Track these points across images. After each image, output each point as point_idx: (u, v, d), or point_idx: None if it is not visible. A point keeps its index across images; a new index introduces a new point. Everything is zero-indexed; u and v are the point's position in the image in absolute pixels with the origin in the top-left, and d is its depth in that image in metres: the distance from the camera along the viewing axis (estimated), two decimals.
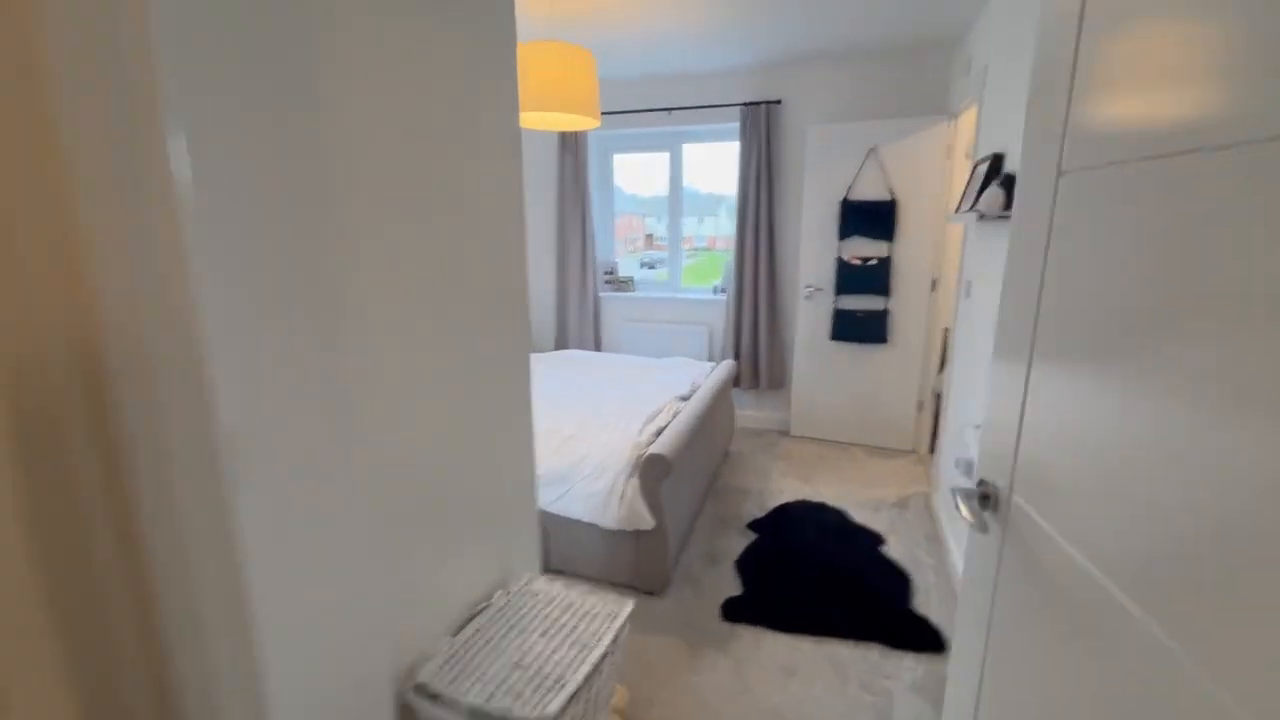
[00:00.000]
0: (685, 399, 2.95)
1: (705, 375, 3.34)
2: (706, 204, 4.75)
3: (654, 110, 3.96)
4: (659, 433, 2.50)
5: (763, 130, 3.71)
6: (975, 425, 2.19)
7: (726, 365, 3.45)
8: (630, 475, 2.24)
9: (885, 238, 3.54)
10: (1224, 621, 0.51)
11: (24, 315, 0.74)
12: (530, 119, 2.61)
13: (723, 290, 4.20)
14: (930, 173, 3.39)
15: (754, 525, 2.80)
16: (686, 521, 2.60)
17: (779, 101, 3.70)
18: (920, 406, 3.69)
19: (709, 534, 2.75)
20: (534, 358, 3.68)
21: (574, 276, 4.29)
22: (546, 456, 2.32)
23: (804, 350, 3.86)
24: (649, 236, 4.77)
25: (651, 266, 4.62)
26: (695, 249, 4.99)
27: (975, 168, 2.45)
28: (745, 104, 3.73)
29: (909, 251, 3.52)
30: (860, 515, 2.91)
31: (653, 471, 2.20)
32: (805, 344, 3.85)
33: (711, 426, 2.96)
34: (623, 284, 4.44)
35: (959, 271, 2.75)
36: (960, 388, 2.63)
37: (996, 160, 2.19)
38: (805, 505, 3.00)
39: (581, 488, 2.24)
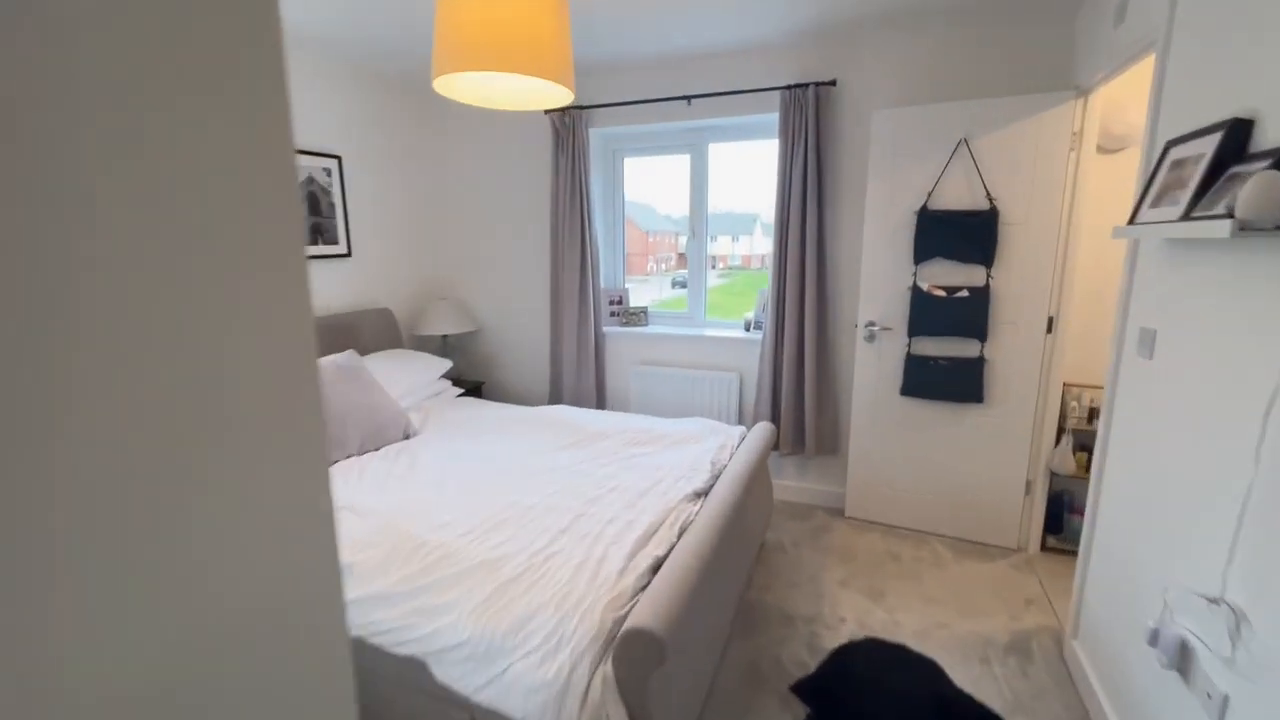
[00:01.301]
0: (703, 494, 2.05)
1: (734, 448, 2.44)
2: (739, 222, 3.88)
3: (669, 100, 3.12)
4: (656, 567, 1.61)
5: (810, 120, 2.83)
6: (1206, 597, 1.24)
7: (762, 432, 2.54)
8: (600, 658, 1.36)
9: (980, 261, 2.61)
10: None
11: None
12: (461, 87, 1.78)
13: (757, 326, 3.30)
14: (1047, 171, 2.45)
15: (803, 689, 1.88)
16: (696, 697, 1.68)
17: (832, 82, 2.82)
18: (1029, 488, 2.70)
19: (733, 710, 1.83)
20: (509, 417, 2.84)
21: (570, 308, 3.45)
22: (474, 611, 1.46)
23: (865, 407, 2.93)
24: (683, 255, 3.93)
25: (684, 285, 3.77)
26: (730, 268, 4.13)
27: (1166, 152, 1.52)
28: (788, 87, 2.87)
29: (1015, 279, 2.58)
30: (964, 672, 1.95)
31: (636, 656, 1.31)
32: (866, 399, 2.92)
33: (741, 522, 2.06)
34: (633, 316, 3.58)
35: (1122, 310, 1.80)
36: (1128, 497, 1.67)
37: (1237, 131, 1.26)
38: (878, 651, 2.06)
39: (523, 670, 1.36)
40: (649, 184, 3.70)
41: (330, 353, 2.94)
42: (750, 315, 3.39)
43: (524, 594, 1.50)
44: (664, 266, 4.25)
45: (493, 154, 3.62)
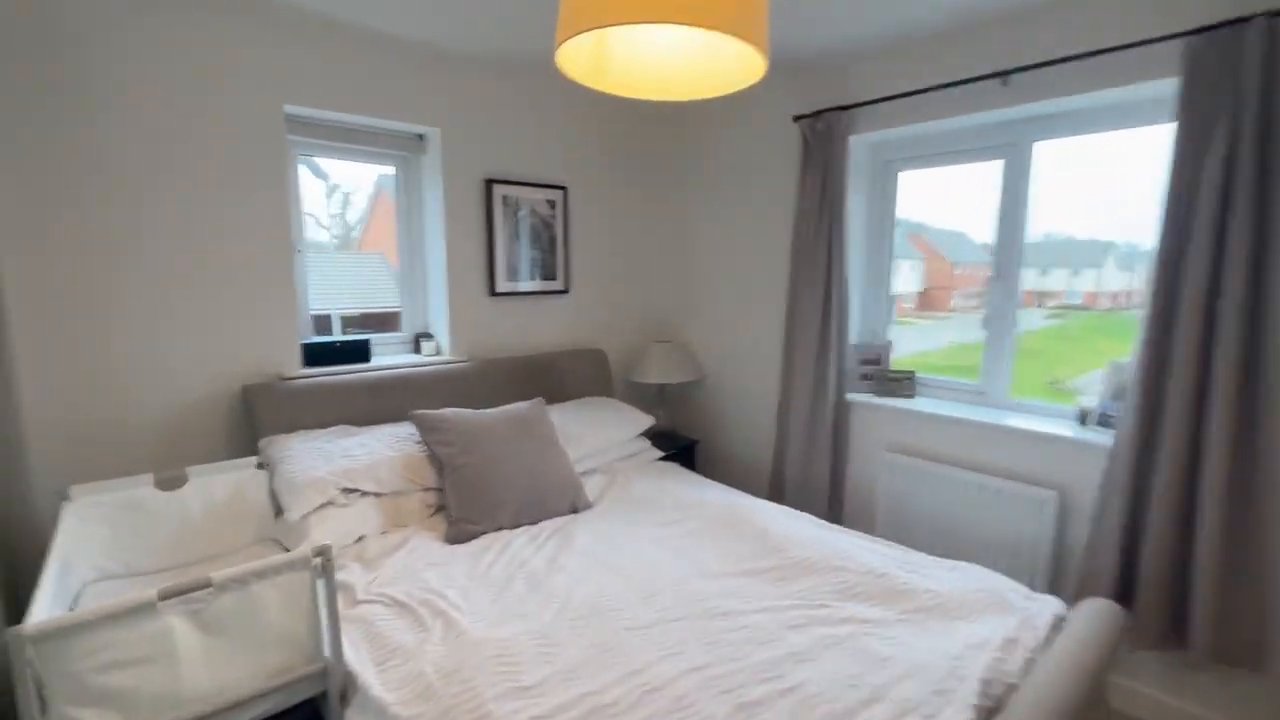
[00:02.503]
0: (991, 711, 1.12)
1: (1037, 643, 1.39)
2: (1080, 251, 2.60)
3: (971, 82, 2.15)
4: None
5: (1251, 81, 1.60)
6: None
7: (1099, 616, 1.42)
8: None
9: None
10: None
11: None
12: (606, 66, 1.22)
13: (1103, 421, 2.06)
14: None
15: None
16: None
17: None
18: None
19: None
20: (698, 502, 2.18)
21: (804, 366, 2.66)
22: None
23: None
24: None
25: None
26: (1063, 307, 2.82)
27: None
28: (1202, 30, 1.68)
29: None
30: None
31: None
32: None
33: None
34: (893, 383, 2.62)
35: None
36: None
37: None
38: None
39: None
40: (939, 202, 2.70)
41: (529, 396, 2.71)
42: (1090, 402, 2.15)
43: None
44: (974, 304, 3.14)
45: (729, 179, 3.06)
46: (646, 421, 2.77)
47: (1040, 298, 2.56)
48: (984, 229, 2.47)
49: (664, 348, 3.16)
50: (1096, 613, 1.48)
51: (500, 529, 2.03)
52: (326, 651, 1.34)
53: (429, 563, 1.78)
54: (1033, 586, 2.09)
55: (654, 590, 1.65)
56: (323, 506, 1.87)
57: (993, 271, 2.41)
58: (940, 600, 1.57)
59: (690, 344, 3.36)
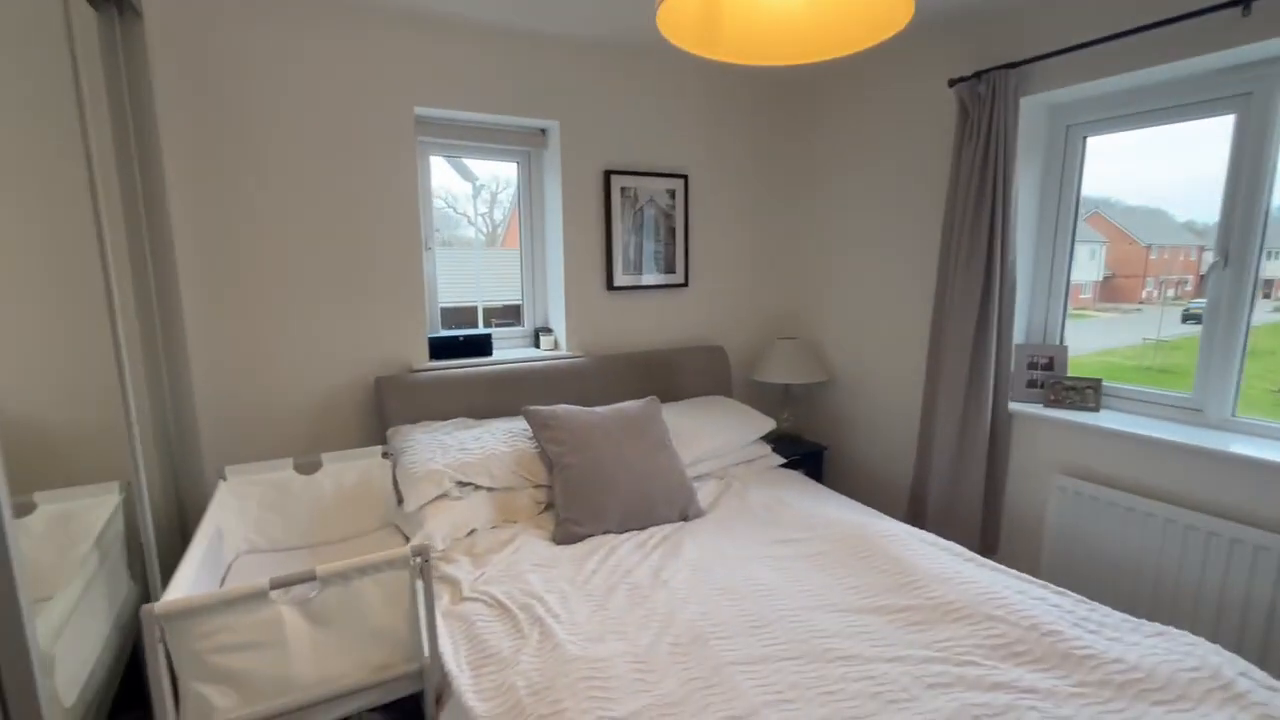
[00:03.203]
0: None
1: None
2: None
3: (1197, 15, 1.70)
4: None
5: None
6: None
7: None
8: None
9: None
10: None
11: None
12: (694, 28, 1.06)
13: None
14: None
15: None
16: None
17: None
18: None
19: None
20: (823, 520, 1.97)
21: (955, 368, 2.30)
22: None
23: None
24: (1203, 278, 2.24)
25: (1198, 319, 2.15)
26: None
27: None
28: None
29: None
30: None
31: None
32: None
33: None
34: (1070, 392, 2.19)
35: None
36: None
37: None
38: None
39: None
40: (1131, 174, 2.21)
41: (644, 393, 2.63)
42: None
43: None
44: (1172, 292, 2.56)
45: (866, 157, 2.73)
46: (767, 425, 2.57)
47: (1268, 285, 2.00)
48: (1192, 204, 1.97)
49: (789, 345, 2.92)
50: None
51: (607, 533, 1.95)
52: (426, 651, 1.33)
53: (534, 563, 1.75)
54: (1255, 656, 1.63)
55: (766, 620, 1.47)
56: (438, 499, 1.92)
57: (1216, 255, 1.91)
58: (1134, 675, 1.24)
59: (819, 341, 3.09)
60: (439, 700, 1.33)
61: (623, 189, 2.68)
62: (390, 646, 1.30)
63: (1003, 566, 1.70)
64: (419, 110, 2.28)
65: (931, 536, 1.88)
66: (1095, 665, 1.27)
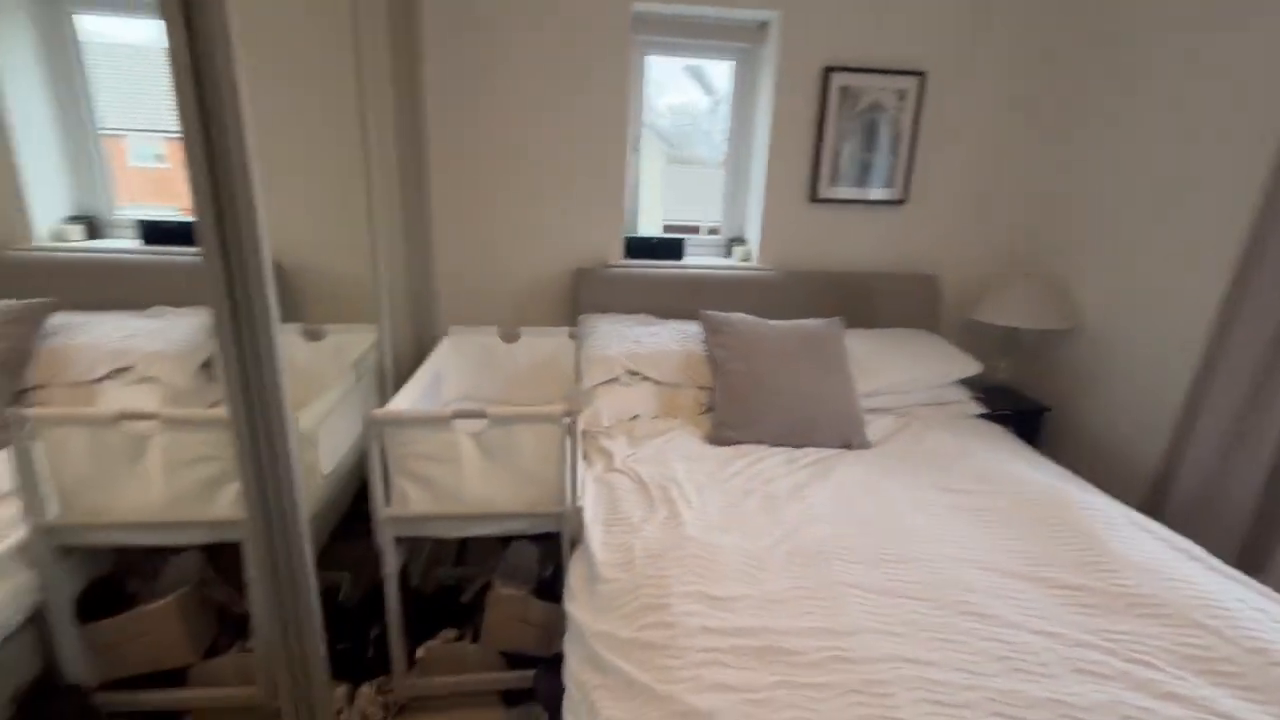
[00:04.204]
0: None
1: None
2: None
3: None
4: None
5: None
6: None
7: None
8: None
9: None
10: None
11: None
12: None
13: None
14: None
15: None
16: None
17: None
18: None
19: None
20: (1019, 493, 1.73)
21: (1253, 334, 1.75)
22: None
23: None
24: None
25: None
26: None
27: None
28: None
29: None
30: None
31: None
32: None
33: None
34: None
35: None
36: None
37: None
38: None
39: None
40: None
41: (834, 315, 2.48)
42: None
43: None
44: None
45: (1150, 39, 2.06)
46: (971, 367, 2.27)
47: None
48: None
49: (1025, 282, 2.47)
50: None
51: (759, 443, 1.96)
52: (568, 500, 1.52)
53: (682, 455, 1.84)
54: None
55: (901, 558, 1.38)
56: (609, 382, 2.09)
57: None
58: None
59: (1065, 279, 2.55)
60: (573, 544, 1.53)
61: (843, 88, 2.43)
62: (539, 487, 1.51)
63: (1250, 580, 1.33)
64: (637, 7, 2.29)
65: (1157, 526, 1.53)
66: None
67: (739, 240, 2.71)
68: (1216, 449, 1.85)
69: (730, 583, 1.26)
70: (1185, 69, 2.08)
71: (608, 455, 1.84)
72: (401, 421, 1.44)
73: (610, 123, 2.37)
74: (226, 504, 1.37)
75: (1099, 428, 2.42)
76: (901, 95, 2.45)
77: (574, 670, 1.18)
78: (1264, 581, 1.81)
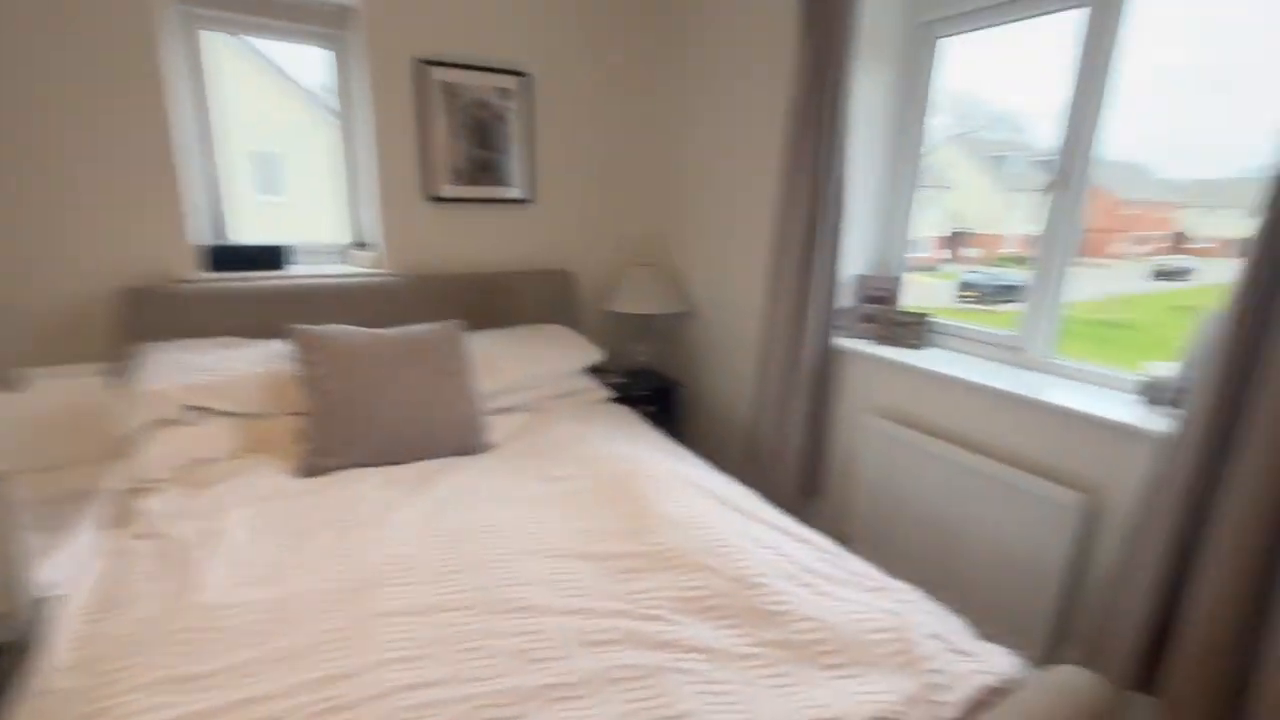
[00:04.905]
0: None
1: None
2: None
3: None
4: None
5: None
6: None
7: (1067, 694, 0.90)
8: None
9: None
10: None
11: None
12: None
13: (1175, 401, 1.39)
14: None
15: None
16: None
17: None
18: None
19: None
20: (601, 455, 1.78)
21: (787, 301, 2.11)
22: None
23: None
24: (1179, 235, 2.01)
25: (1172, 276, 1.97)
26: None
27: None
28: None
29: None
30: None
31: None
32: None
33: None
34: (900, 328, 2.01)
35: None
36: None
37: None
38: None
39: None
40: (992, 81, 1.95)
41: (472, 318, 2.35)
42: (1160, 368, 1.47)
43: None
44: (1146, 249, 2.37)
45: (725, 58, 2.43)
46: (593, 355, 2.37)
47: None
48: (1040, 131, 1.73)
49: (646, 272, 2.68)
50: (1071, 693, 0.96)
51: (362, 465, 1.75)
52: (20, 599, 1.14)
53: (249, 499, 1.54)
54: (1038, 622, 1.52)
55: (463, 566, 1.30)
56: (163, 422, 1.69)
57: (1056, 175, 1.70)
58: (820, 635, 1.09)
59: (679, 268, 2.85)
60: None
61: (445, 84, 2.34)
62: None
63: (774, 514, 1.53)
64: None
65: (719, 481, 1.72)
66: (784, 623, 1.12)
67: (361, 245, 2.47)
68: (775, 398, 2.19)
69: (224, 653, 1.04)
70: (738, 82, 2.44)
71: (138, 518, 1.46)
72: None
73: (148, 108, 1.94)
74: None
75: (714, 396, 2.74)
76: (504, 94, 2.46)
77: None
78: (818, 505, 2.18)
